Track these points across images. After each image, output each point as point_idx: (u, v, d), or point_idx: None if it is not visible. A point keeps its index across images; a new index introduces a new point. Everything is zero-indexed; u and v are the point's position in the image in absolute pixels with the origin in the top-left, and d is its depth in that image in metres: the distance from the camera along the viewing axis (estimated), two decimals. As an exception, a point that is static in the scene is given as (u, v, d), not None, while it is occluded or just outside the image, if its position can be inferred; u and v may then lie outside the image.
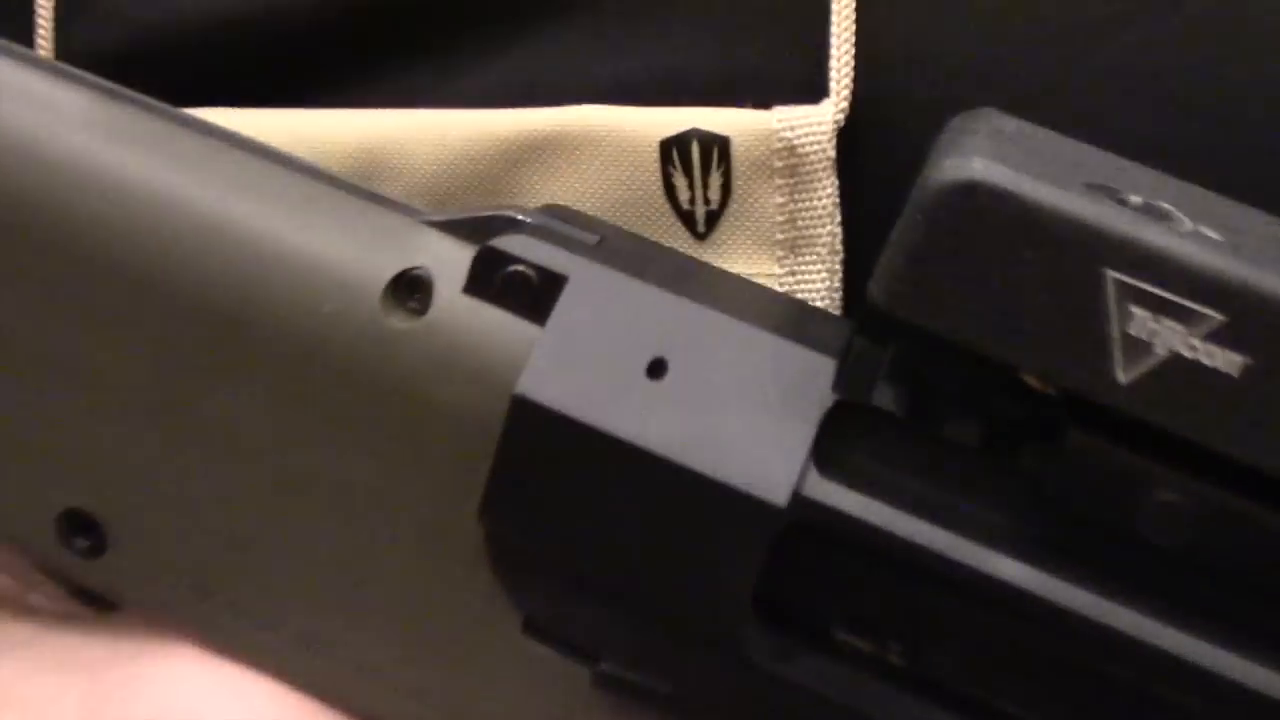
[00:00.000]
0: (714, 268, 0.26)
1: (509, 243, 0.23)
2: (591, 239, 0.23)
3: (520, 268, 0.23)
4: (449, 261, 0.23)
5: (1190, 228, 0.20)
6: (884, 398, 0.22)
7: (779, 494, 0.21)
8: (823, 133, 0.28)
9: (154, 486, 0.24)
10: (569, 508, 0.22)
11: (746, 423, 0.22)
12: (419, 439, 0.23)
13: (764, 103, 0.28)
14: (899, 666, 0.23)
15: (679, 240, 0.29)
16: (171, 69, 0.29)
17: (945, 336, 0.20)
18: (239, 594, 0.25)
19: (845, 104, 0.28)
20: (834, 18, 0.28)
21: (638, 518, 0.22)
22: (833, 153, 0.28)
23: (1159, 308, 0.20)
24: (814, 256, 0.29)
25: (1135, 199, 0.20)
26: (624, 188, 0.29)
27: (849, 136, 0.28)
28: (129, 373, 0.24)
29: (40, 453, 0.25)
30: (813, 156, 0.28)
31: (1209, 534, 0.20)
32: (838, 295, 0.29)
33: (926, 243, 0.20)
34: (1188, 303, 0.19)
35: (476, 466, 0.22)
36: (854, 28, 0.28)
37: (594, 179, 0.29)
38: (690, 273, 0.24)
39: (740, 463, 0.22)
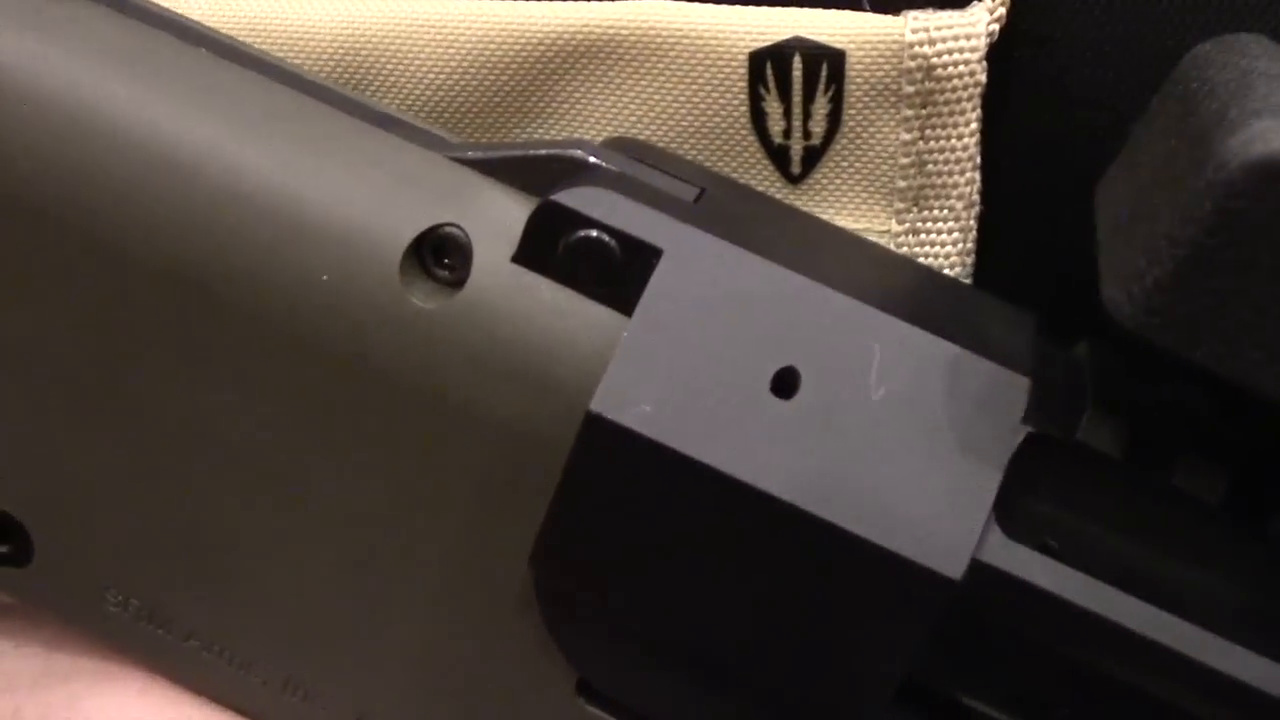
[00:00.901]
0: (852, 237, 0.19)
1: (579, 197, 0.16)
2: (690, 193, 0.17)
3: (595, 233, 0.16)
4: (494, 217, 0.17)
5: None
6: (1093, 432, 0.16)
7: (953, 563, 0.15)
8: (972, 50, 0.21)
9: (89, 486, 0.19)
10: (652, 558, 0.16)
11: (909, 462, 0.16)
12: (447, 453, 0.17)
13: (892, 6, 0.22)
14: None
15: (766, 182, 0.22)
16: None
17: (1210, 365, 0.14)
18: (205, 624, 0.19)
19: (1003, 10, 0.21)
20: None
21: (751, 578, 0.16)
22: (983, 77, 0.21)
23: None
24: (946, 211, 0.22)
25: None
26: (697, 113, 0.22)
27: (1000, 57, 0.22)
28: (64, 348, 0.17)
29: None
30: (956, 81, 0.22)
31: None
32: (969, 260, 0.23)
33: (1211, 243, 0.13)
34: None
35: (525, 492, 0.16)
36: None
37: (658, 100, 0.22)
38: (823, 245, 0.18)
39: (901, 518, 0.16)
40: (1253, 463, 0.16)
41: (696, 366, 0.16)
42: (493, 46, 0.22)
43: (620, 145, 0.18)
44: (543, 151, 0.17)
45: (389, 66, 0.22)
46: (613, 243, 0.16)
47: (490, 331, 0.16)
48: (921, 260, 0.22)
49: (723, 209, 0.17)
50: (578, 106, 0.22)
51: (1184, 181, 0.14)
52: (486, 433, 0.17)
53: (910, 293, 0.18)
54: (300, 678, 0.19)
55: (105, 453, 0.19)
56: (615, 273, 0.16)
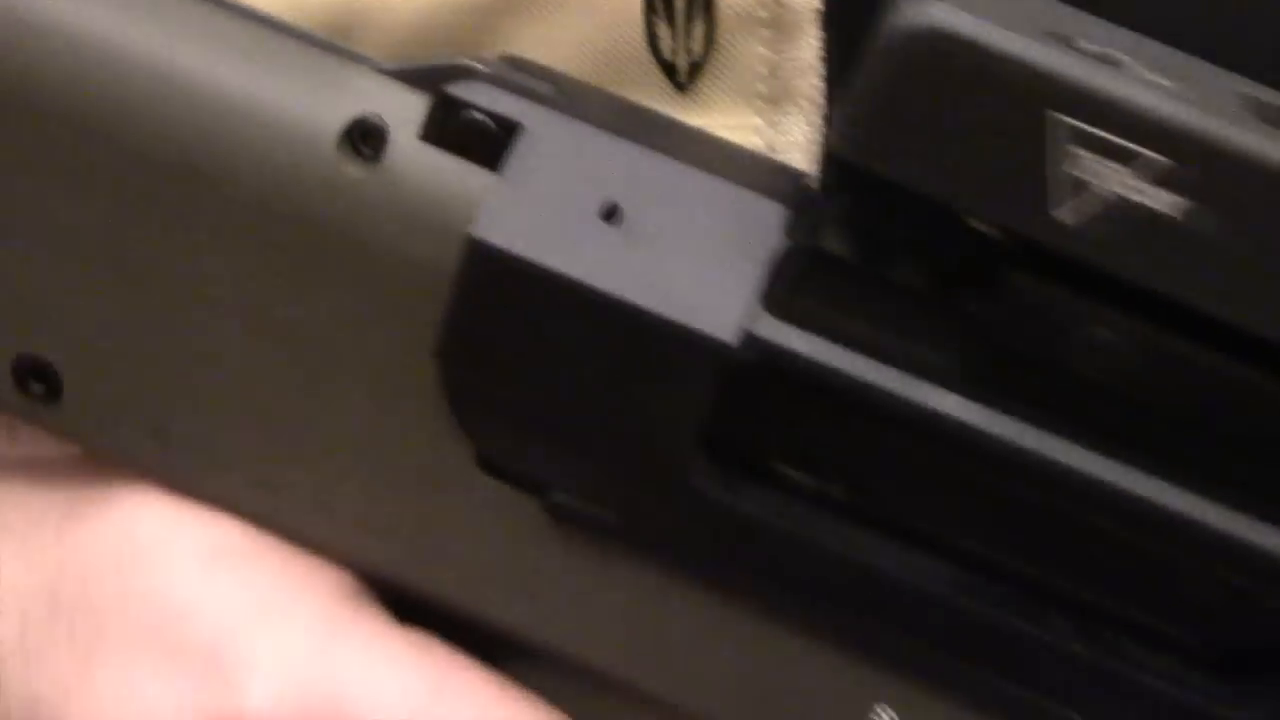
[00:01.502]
0: (670, 119, 0.25)
1: (464, 90, 0.23)
2: (547, 88, 0.23)
3: (476, 115, 0.23)
4: (404, 110, 0.23)
5: (1141, 75, 0.20)
6: (835, 244, 0.22)
7: (729, 332, 0.22)
8: None
9: (109, 332, 0.25)
10: (522, 347, 0.23)
11: (699, 265, 0.22)
12: (375, 283, 0.23)
13: None
14: (840, 501, 0.23)
15: (661, 91, 0.29)
16: None
17: (900, 182, 0.20)
18: (198, 438, 0.26)
19: None
20: None
21: (591, 356, 0.22)
22: (818, 3, 0.27)
23: (1103, 150, 0.19)
24: (795, 109, 0.28)
25: (1089, 47, 0.20)
26: (606, 36, 0.28)
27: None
28: (84, 220, 0.24)
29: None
30: (798, 5, 0.28)
31: (1143, 370, 0.20)
32: (816, 148, 0.29)
33: (884, 89, 0.19)
34: (1131, 145, 0.19)
35: (431, 309, 0.23)
36: None
37: (576, 27, 0.28)
38: (646, 122, 0.24)
39: (692, 303, 0.22)
40: (945, 256, 0.22)
41: (546, 204, 0.22)
42: None
43: (505, 59, 0.25)
44: (441, 62, 0.23)
45: (375, 12, 0.28)
46: (489, 121, 0.23)
47: (405, 192, 0.23)
48: (781, 149, 0.28)
49: (573, 98, 0.23)
50: (514, 36, 0.28)
51: (868, 50, 0.20)
52: (403, 266, 0.23)
53: (714, 156, 0.24)
54: (269, 476, 0.26)
55: (119, 304, 0.25)
56: (492, 144, 0.23)
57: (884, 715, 0.25)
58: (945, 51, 0.19)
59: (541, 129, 0.23)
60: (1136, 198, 0.19)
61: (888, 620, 0.24)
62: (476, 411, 0.24)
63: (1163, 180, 0.19)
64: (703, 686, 0.25)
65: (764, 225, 0.22)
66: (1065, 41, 0.20)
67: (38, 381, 0.26)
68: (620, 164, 0.22)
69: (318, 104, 0.23)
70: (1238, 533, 0.22)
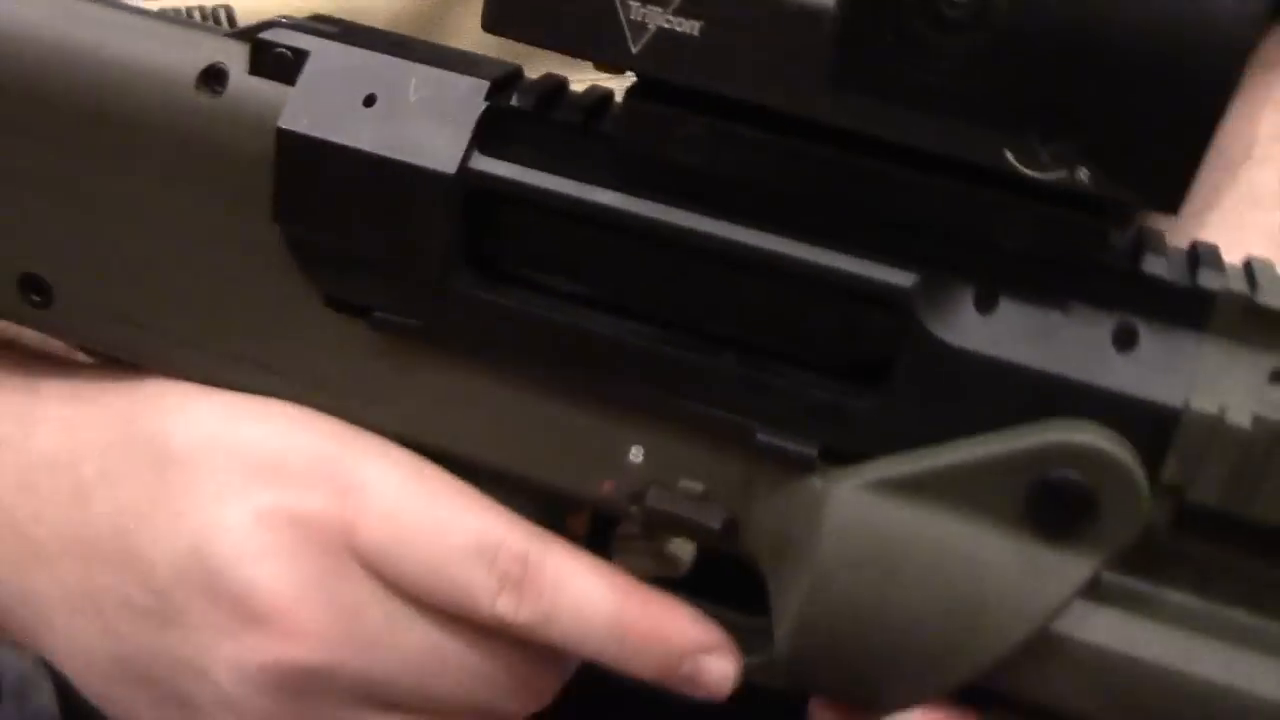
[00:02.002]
0: (416, 39, 0.35)
1: (271, 34, 0.33)
2: (333, 30, 0.34)
3: (279, 49, 0.33)
4: (238, 56, 0.34)
5: None
6: (522, 101, 0.32)
7: (450, 166, 0.32)
8: None
9: (79, 250, 0.36)
10: (329, 203, 0.33)
11: (430, 128, 0.32)
12: (235, 177, 0.34)
13: None
14: (574, 293, 0.33)
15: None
16: None
17: (544, 46, 0.30)
18: (158, 321, 0.36)
19: None
20: None
21: (371, 202, 0.33)
22: None
23: (645, 1, 0.29)
24: None
25: None
26: None
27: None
28: (49, 167, 0.35)
29: (7, 229, 0.37)
30: None
31: (729, 154, 0.30)
32: None
33: None
34: (656, -10, 0.29)
35: (269, 187, 0.33)
36: None
37: None
38: (400, 42, 0.34)
39: (424, 150, 0.32)
40: (588, 98, 0.32)
41: (326, 100, 0.32)
42: None
43: (312, 16, 0.35)
44: (262, 21, 0.34)
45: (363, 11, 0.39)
46: (289, 53, 0.33)
47: (243, 109, 0.33)
48: None
49: (351, 34, 0.34)
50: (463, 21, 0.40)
51: None
52: (248, 160, 0.33)
53: (445, 58, 0.34)
54: (191, 337, 0.36)
55: (82, 227, 0.35)
56: (291, 68, 0.33)
57: (637, 452, 0.34)
58: None
59: (323, 53, 0.33)
60: (669, 25, 0.29)
61: (621, 376, 0.33)
62: (312, 259, 0.34)
63: (683, 11, 0.28)
64: (500, 446, 0.35)
65: (475, 96, 0.32)
66: None
67: (36, 294, 0.37)
68: (375, 68, 0.33)
69: (182, 59, 0.34)
70: (839, 267, 0.31)
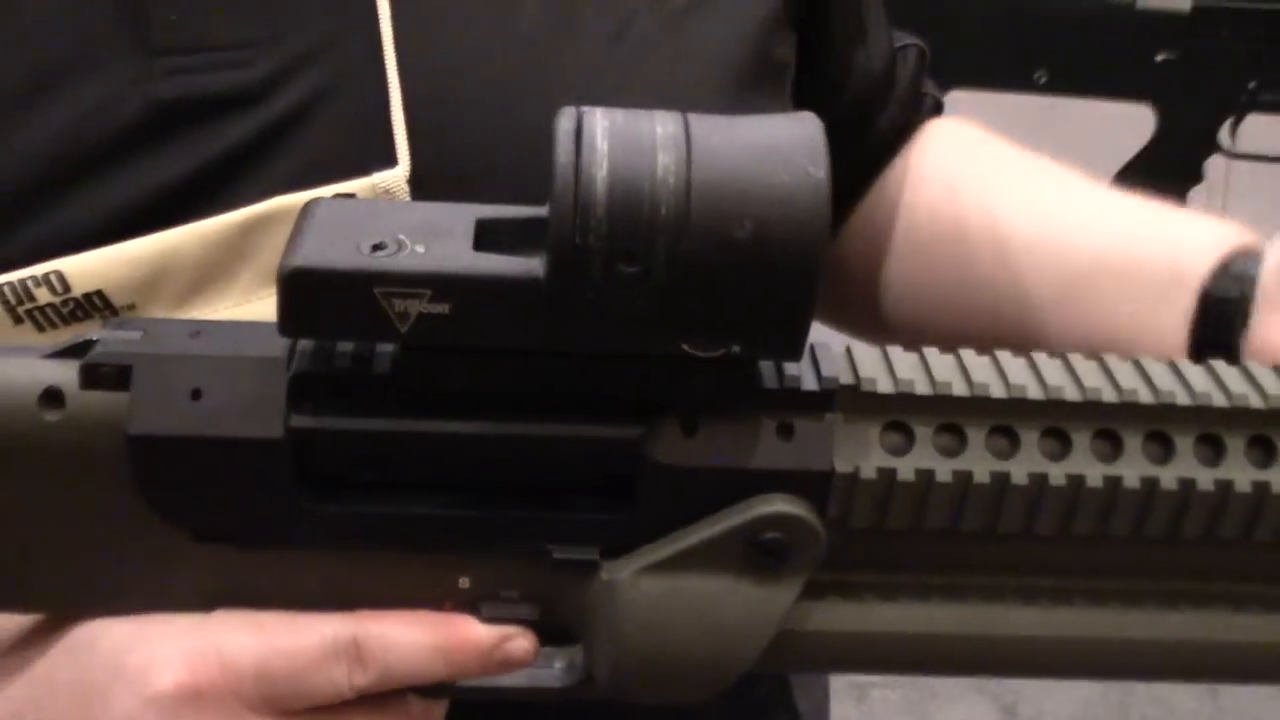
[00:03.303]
0: (219, 323, 0.44)
1: (94, 356, 0.41)
2: (137, 333, 0.42)
3: (106, 368, 0.41)
4: (68, 375, 0.41)
5: (408, 247, 0.39)
6: (307, 366, 0.42)
7: (278, 430, 0.41)
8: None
9: None
10: (188, 477, 0.42)
11: (250, 405, 0.41)
12: (91, 469, 0.42)
13: None
14: (393, 482, 0.43)
15: None
16: None
17: (330, 339, 0.40)
18: (42, 581, 0.44)
19: None
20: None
21: (225, 469, 0.41)
22: None
23: (403, 295, 0.39)
24: None
25: (385, 239, 0.39)
26: None
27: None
28: None
29: None
30: None
31: (480, 378, 0.41)
32: None
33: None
34: (410, 289, 0.39)
35: (125, 470, 0.42)
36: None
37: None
38: (200, 332, 0.43)
39: (254, 424, 0.41)
40: (364, 367, 0.42)
41: (153, 398, 0.41)
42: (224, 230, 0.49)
43: (112, 322, 0.43)
44: (76, 340, 0.42)
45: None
46: (114, 370, 0.41)
47: (83, 420, 0.41)
48: None
49: (154, 334, 0.42)
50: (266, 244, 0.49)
51: None
52: (100, 459, 0.41)
53: (232, 338, 0.43)
54: (71, 592, 0.45)
55: None
56: (122, 378, 0.41)
57: (464, 581, 0.45)
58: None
59: (142, 363, 0.41)
60: (428, 310, 0.39)
61: (443, 535, 0.44)
62: (181, 515, 0.43)
63: (434, 299, 0.39)
64: (360, 603, 0.45)
65: (277, 369, 0.41)
66: (378, 246, 0.39)
67: None
68: (190, 365, 0.41)
69: (18, 386, 0.41)
70: (590, 434, 0.42)
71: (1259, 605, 0.46)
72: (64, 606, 0.45)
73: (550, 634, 0.47)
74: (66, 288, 0.50)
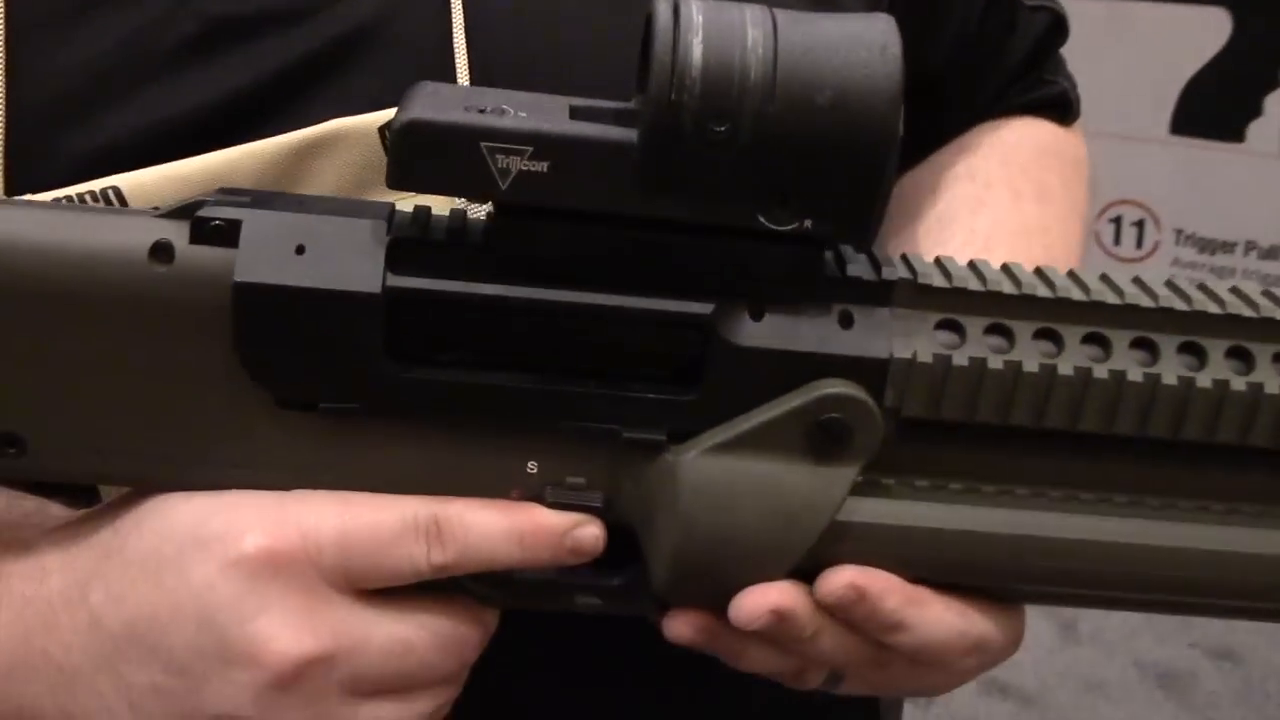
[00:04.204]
0: (320, 196, 0.47)
1: (206, 211, 0.44)
2: (246, 199, 0.45)
3: (218, 222, 0.44)
4: (179, 231, 0.44)
5: (511, 114, 0.42)
6: (408, 231, 0.45)
7: (375, 286, 0.44)
8: None
9: (52, 403, 0.44)
10: (280, 330, 0.44)
11: (350, 262, 0.44)
12: (193, 323, 0.44)
13: None
14: (470, 360, 0.45)
15: None
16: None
17: (435, 193, 0.43)
18: (128, 447, 0.46)
19: None
20: None
21: (317, 324, 0.44)
22: None
23: (505, 151, 0.42)
24: None
25: (488, 107, 0.43)
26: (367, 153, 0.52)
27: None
28: (25, 340, 0.44)
29: None
30: None
31: (571, 245, 0.44)
32: None
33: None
34: (513, 145, 0.42)
35: (226, 324, 0.44)
36: None
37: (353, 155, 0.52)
38: (303, 202, 0.46)
39: (353, 279, 0.44)
40: (461, 224, 0.45)
41: (265, 253, 0.44)
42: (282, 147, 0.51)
43: (220, 190, 0.46)
44: (190, 200, 0.44)
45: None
46: (224, 224, 0.44)
47: (191, 273, 0.44)
48: None
49: (262, 200, 0.45)
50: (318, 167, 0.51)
51: None
52: (205, 311, 0.44)
53: (345, 208, 0.45)
54: (166, 453, 0.46)
55: (56, 385, 0.44)
56: (230, 235, 0.44)
57: (533, 465, 0.47)
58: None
59: (252, 219, 0.44)
60: (524, 167, 0.42)
61: (514, 413, 0.46)
62: (267, 374, 0.45)
63: (534, 156, 0.42)
64: (431, 484, 0.47)
65: (378, 232, 0.44)
66: (478, 108, 0.42)
67: (10, 446, 0.46)
68: (298, 224, 0.44)
69: (132, 240, 0.44)
70: (664, 308, 0.45)
71: None
72: (139, 475, 0.46)
73: (613, 532, 0.48)
74: (123, 203, 0.51)
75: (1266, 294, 0.48)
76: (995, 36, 0.72)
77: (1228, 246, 2.31)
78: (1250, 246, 2.30)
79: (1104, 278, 0.48)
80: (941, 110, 0.72)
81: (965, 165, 0.71)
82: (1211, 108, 1.91)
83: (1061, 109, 0.76)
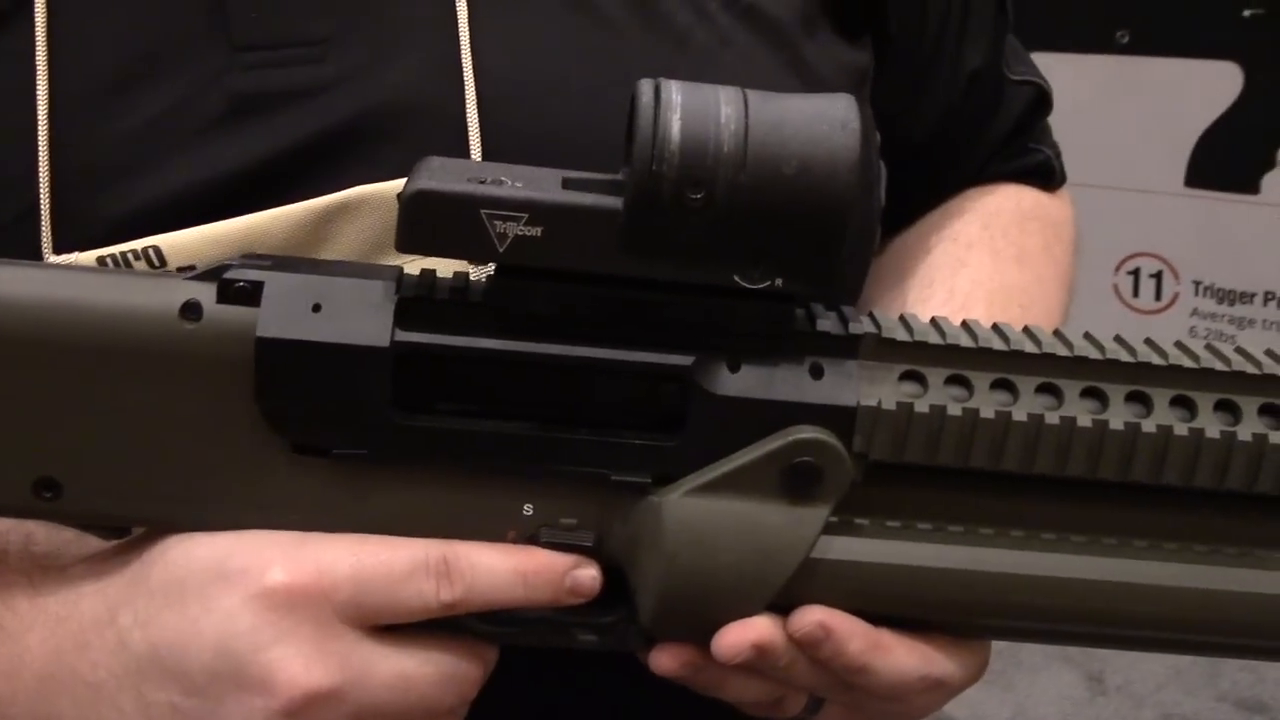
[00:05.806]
0: (335, 261, 0.51)
1: (232, 274, 0.48)
2: (268, 263, 0.49)
3: (242, 284, 0.48)
4: (206, 292, 0.48)
5: (509, 184, 0.47)
6: (413, 291, 0.49)
7: (384, 340, 0.48)
8: None
9: (88, 450, 0.48)
10: (299, 381, 0.48)
11: (360, 320, 0.48)
12: (217, 376, 0.48)
13: None
14: (471, 409, 0.49)
15: None
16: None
17: (439, 255, 0.47)
18: (156, 491, 0.50)
19: None
20: None
21: (332, 375, 0.48)
22: None
23: (504, 218, 0.46)
24: None
25: (488, 179, 0.47)
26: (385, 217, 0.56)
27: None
28: (65, 393, 0.48)
29: (25, 444, 0.49)
30: None
31: (561, 303, 0.48)
32: None
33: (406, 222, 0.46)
34: (510, 212, 0.46)
35: (248, 377, 0.48)
36: None
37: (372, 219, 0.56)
38: (318, 265, 0.50)
39: (364, 335, 0.48)
40: (462, 285, 0.49)
41: (284, 311, 0.48)
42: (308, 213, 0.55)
43: (244, 256, 0.50)
44: (216, 265, 0.49)
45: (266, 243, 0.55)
46: (249, 285, 0.48)
47: (218, 330, 0.48)
48: None
49: (281, 264, 0.49)
50: (339, 231, 0.56)
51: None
52: (229, 365, 0.48)
53: (355, 271, 0.50)
54: (187, 494, 0.50)
55: (90, 435, 0.48)
56: (253, 295, 0.48)
57: (528, 508, 0.51)
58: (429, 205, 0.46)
59: (273, 280, 0.48)
60: (520, 232, 0.46)
61: (511, 460, 0.50)
62: (283, 422, 0.49)
63: (527, 221, 0.46)
64: (431, 525, 0.50)
65: (389, 292, 0.48)
66: (479, 180, 0.47)
67: (48, 491, 0.49)
68: (314, 285, 0.48)
69: (164, 300, 0.48)
70: (649, 360, 0.48)
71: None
72: (165, 516, 0.50)
73: (603, 572, 0.52)
74: (163, 261, 0.54)
75: (1209, 348, 0.52)
76: (979, 111, 0.77)
77: (1246, 297, 2.33)
78: (1269, 297, 2.32)
79: (1057, 333, 0.51)
80: (928, 178, 0.76)
81: (949, 229, 0.75)
82: (1225, 160, 1.94)
83: (1045, 176, 0.80)
